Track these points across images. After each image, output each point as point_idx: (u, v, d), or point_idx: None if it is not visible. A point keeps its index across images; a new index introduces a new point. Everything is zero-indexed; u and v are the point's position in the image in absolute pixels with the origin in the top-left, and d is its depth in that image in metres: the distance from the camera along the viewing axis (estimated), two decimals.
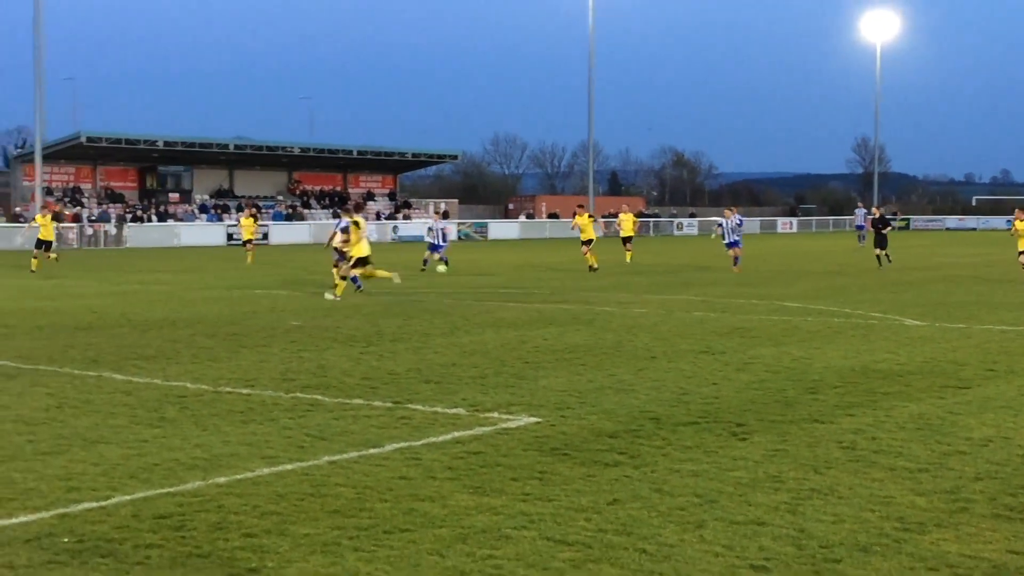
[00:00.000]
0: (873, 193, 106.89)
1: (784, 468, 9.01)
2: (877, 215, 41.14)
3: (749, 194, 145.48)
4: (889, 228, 40.18)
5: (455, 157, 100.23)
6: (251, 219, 47.10)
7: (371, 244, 24.55)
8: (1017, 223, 32.58)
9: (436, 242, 37.72)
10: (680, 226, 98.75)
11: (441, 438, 10.15)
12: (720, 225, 38.34)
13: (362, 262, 25.59)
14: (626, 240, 41.77)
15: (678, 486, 8.42)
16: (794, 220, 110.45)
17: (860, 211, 63.61)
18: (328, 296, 25.41)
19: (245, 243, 45.29)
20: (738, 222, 37.75)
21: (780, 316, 21.54)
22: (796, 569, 6.52)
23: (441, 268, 36.36)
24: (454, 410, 11.53)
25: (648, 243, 68.88)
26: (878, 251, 39.03)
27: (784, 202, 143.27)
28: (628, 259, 40.30)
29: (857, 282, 31.50)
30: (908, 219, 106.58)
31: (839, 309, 22.88)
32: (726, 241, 37.48)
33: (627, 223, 42.48)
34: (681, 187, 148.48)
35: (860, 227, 60.74)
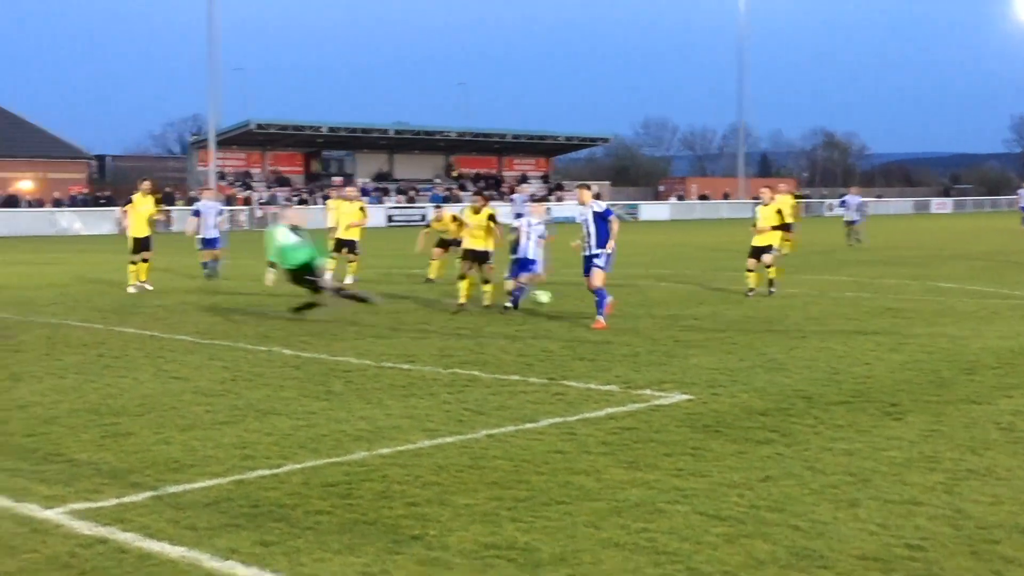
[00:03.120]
0: None
1: (940, 448, 8.94)
2: None
3: (902, 174, 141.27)
4: None
5: (607, 140, 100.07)
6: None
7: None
8: None
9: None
10: (831, 207, 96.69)
11: (595, 414, 10.35)
12: (843, 203, 38.65)
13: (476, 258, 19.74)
14: (783, 227, 37.75)
15: (831, 464, 8.45)
16: (949, 200, 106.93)
17: (1023, 191, 61.16)
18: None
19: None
20: (860, 202, 39.04)
21: (935, 297, 21.07)
22: (952, 549, 6.51)
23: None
24: (607, 387, 11.72)
25: (799, 223, 67.64)
26: None
27: (938, 182, 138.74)
28: (786, 249, 35.37)
29: (1017, 263, 30.48)
30: None
31: (996, 290, 22.26)
32: (848, 219, 38.57)
33: (784, 207, 38.68)
34: (832, 168, 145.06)
35: None
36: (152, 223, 24.19)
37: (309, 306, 17.80)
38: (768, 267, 21.61)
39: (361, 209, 25.36)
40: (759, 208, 22.72)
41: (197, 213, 27.13)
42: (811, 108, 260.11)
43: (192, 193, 73.09)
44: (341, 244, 24.84)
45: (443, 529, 6.87)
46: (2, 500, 7.46)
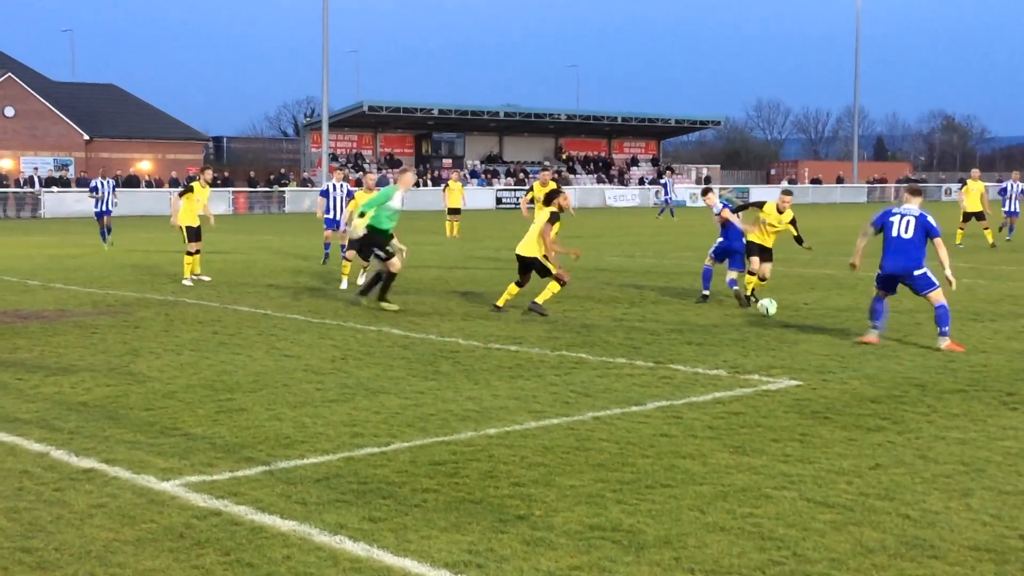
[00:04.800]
0: None
1: None
2: None
3: None
4: None
5: (718, 123, 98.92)
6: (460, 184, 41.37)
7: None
8: None
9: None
10: (948, 192, 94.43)
11: (702, 398, 10.29)
12: (1002, 191, 35.19)
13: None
14: (975, 216, 32.10)
15: (943, 453, 8.29)
16: None
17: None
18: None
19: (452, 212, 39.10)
20: (1022, 190, 34.02)
21: None
22: None
23: None
24: (715, 371, 11.64)
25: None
26: None
27: None
28: (990, 239, 31.51)
29: None
30: None
31: None
32: (1006, 209, 34.06)
33: (974, 196, 32.37)
34: (951, 152, 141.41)
35: None
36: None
37: (373, 284, 17.20)
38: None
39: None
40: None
41: (325, 194, 25.95)
42: (929, 90, 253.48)
43: (305, 175, 74.38)
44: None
45: (548, 509, 6.91)
46: (121, 471, 7.70)
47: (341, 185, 25.33)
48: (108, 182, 33.83)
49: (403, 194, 17.35)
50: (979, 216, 31.96)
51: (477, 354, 12.80)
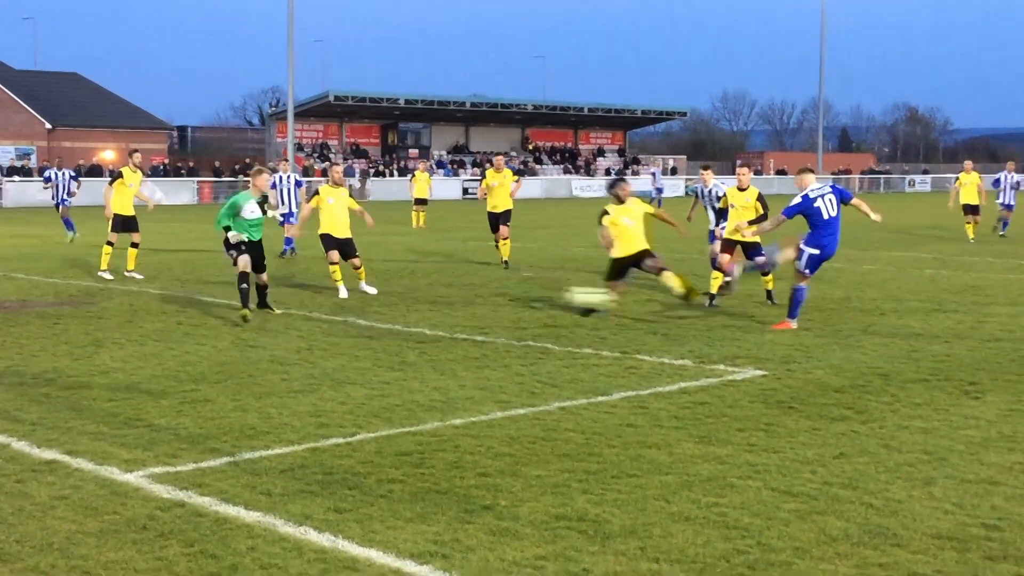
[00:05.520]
0: None
1: (1020, 428, 8.78)
2: None
3: (987, 150, 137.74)
4: None
5: (684, 114, 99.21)
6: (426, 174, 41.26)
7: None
8: None
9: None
10: (912, 183, 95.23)
11: (667, 388, 10.32)
12: (996, 182, 32.99)
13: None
14: (970, 208, 30.98)
15: (907, 442, 8.35)
16: None
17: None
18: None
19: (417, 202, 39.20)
20: (1016, 182, 32.59)
21: (1018, 275, 20.66)
22: None
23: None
24: (680, 361, 11.67)
25: (879, 200, 66.81)
26: None
27: None
28: (971, 234, 30.54)
29: None
30: None
31: None
32: (1001, 201, 32.26)
33: (970, 188, 31.29)
34: (915, 143, 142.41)
35: None
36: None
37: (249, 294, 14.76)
38: None
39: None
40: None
41: (273, 186, 25.81)
42: (893, 82, 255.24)
43: (271, 164, 74.02)
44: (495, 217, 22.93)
45: (514, 500, 6.91)
46: (84, 463, 7.64)
47: (288, 176, 25.39)
48: (64, 172, 32.10)
49: (258, 199, 15.05)
50: (974, 210, 30.71)
51: (443, 344, 12.78)
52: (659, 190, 56.96)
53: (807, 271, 13.92)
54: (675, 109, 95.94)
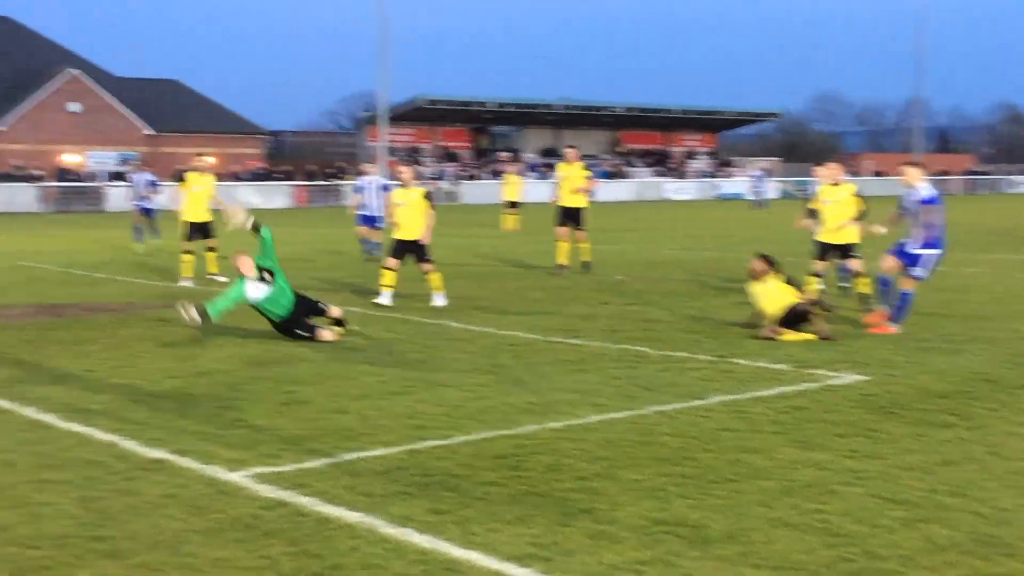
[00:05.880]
0: None
1: None
2: None
3: None
4: None
5: (777, 115, 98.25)
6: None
7: None
8: None
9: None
10: (1015, 184, 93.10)
11: (765, 392, 10.21)
12: None
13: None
14: None
15: (1016, 450, 8.16)
16: None
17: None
18: None
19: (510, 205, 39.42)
20: None
21: None
22: None
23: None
24: (778, 365, 11.54)
25: (980, 202, 65.42)
26: None
27: None
28: None
29: None
30: None
31: None
32: None
33: None
34: (1019, 144, 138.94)
35: None
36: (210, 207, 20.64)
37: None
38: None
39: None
40: None
41: (359, 190, 26.01)
42: (994, 81, 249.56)
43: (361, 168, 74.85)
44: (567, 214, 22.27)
45: (612, 503, 6.89)
46: (190, 462, 7.79)
47: (375, 180, 25.17)
48: (141, 175, 30.51)
49: (253, 277, 13.22)
50: None
51: (537, 348, 12.80)
52: (761, 192, 56.26)
53: (925, 275, 13.64)
54: (768, 111, 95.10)
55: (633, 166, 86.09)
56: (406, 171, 17.98)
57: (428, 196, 17.37)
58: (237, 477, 7.42)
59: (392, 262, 16.93)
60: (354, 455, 8.03)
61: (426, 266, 16.95)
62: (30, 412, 9.42)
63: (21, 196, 58.44)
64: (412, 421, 9.10)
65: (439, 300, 16.76)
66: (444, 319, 15.13)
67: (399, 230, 17.10)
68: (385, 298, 16.66)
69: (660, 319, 15.07)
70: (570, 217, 22.08)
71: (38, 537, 6.23)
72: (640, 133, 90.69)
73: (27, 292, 18.70)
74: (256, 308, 13.31)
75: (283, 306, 12.61)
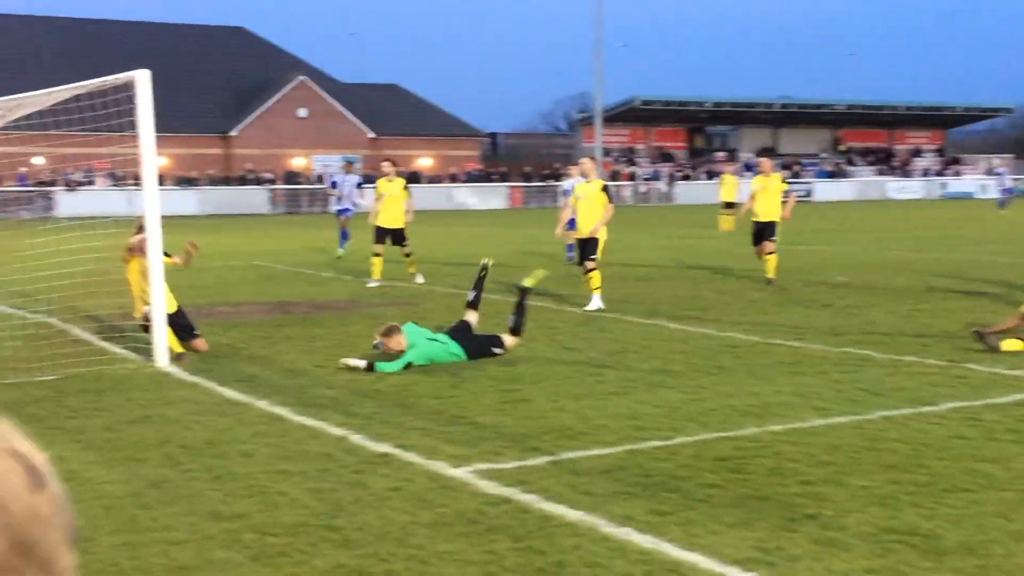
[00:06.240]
0: None
1: None
2: None
3: None
4: None
5: (1010, 110, 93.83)
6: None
7: None
8: None
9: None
10: None
11: (1002, 400, 9.75)
12: None
13: None
14: None
15: None
16: None
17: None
18: None
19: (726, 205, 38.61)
20: None
21: None
22: None
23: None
24: (1016, 372, 11.00)
25: None
26: None
27: None
28: None
29: None
30: None
31: None
32: None
33: None
34: None
35: None
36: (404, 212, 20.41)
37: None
38: None
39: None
40: None
41: (567, 192, 25.59)
42: None
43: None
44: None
45: (839, 510, 6.71)
46: (415, 457, 7.99)
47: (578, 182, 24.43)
48: (350, 178, 28.75)
49: (406, 344, 11.63)
50: None
51: (758, 349, 12.59)
52: (1009, 191, 53.70)
53: None
54: (1000, 106, 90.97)
55: (854, 165, 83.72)
56: (587, 162, 17.49)
57: (606, 189, 17.00)
58: (460, 473, 7.56)
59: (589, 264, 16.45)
60: (575, 454, 8.07)
61: (589, 263, 16.45)
62: (263, 405, 9.85)
63: (253, 198, 61.19)
64: (632, 421, 9.08)
65: (595, 303, 16.24)
66: (661, 320, 15.05)
67: (578, 226, 16.86)
68: (595, 303, 16.36)
69: (885, 322, 14.60)
70: (763, 232, 19.59)
71: (275, 525, 6.50)
72: (862, 131, 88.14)
73: (260, 291, 19.56)
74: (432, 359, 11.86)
75: (455, 355, 11.86)
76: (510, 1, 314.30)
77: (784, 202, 19.77)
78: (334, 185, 29.46)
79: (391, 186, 19.78)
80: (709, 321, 14.91)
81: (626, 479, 7.40)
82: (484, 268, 13.38)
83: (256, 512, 6.75)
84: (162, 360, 11.82)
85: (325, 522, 6.54)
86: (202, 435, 8.73)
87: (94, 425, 9.14)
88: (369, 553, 6.03)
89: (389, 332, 11.56)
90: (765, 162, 20.50)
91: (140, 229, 12.41)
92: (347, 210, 27.87)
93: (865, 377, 10.86)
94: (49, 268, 13.15)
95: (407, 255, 19.96)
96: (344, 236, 27.35)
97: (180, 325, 12.47)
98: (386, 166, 20.09)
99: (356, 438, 8.57)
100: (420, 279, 20.12)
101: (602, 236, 16.76)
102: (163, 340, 11.91)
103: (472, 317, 12.49)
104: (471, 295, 12.88)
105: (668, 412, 9.42)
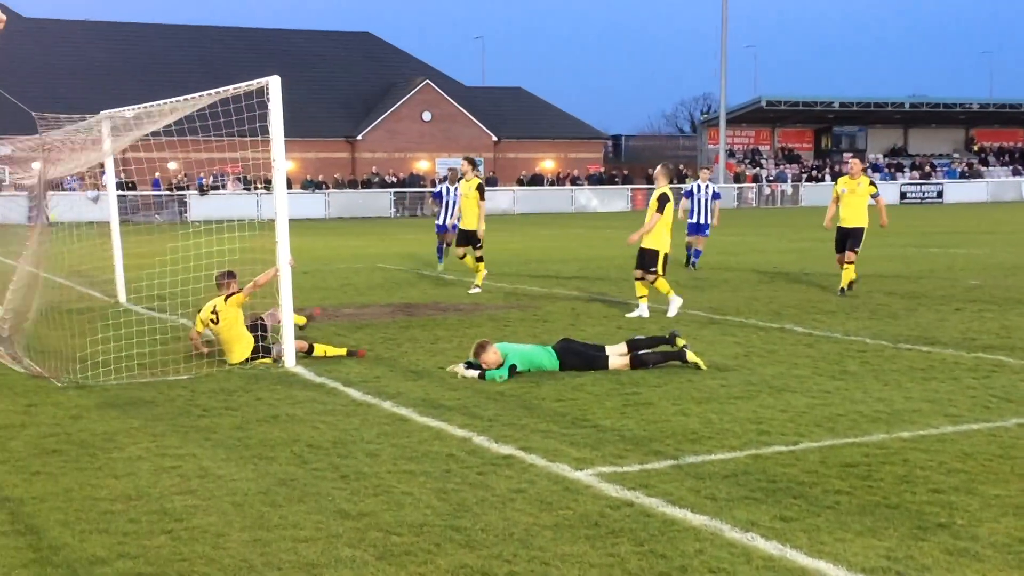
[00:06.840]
0: None
1: None
2: None
3: None
4: None
5: None
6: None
7: None
8: None
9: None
10: None
11: None
12: None
13: None
14: None
15: None
16: None
17: None
18: None
19: None
20: None
21: None
22: None
23: None
24: None
25: None
26: None
27: None
28: None
29: None
30: None
31: None
32: None
33: None
34: None
35: None
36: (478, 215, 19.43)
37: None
38: None
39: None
40: None
41: (689, 195, 25.09)
42: None
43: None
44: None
45: (972, 519, 6.55)
46: (537, 459, 8.02)
47: (706, 186, 23.80)
48: (455, 188, 23.31)
49: (500, 356, 11.35)
50: None
51: (886, 354, 12.33)
52: None
53: None
54: None
55: (988, 165, 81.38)
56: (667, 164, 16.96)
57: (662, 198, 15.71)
58: (583, 475, 7.57)
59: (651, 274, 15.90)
60: (698, 458, 8.02)
61: (639, 272, 15.95)
62: (388, 406, 9.99)
63: (377, 201, 62.02)
64: (756, 426, 8.98)
65: (675, 304, 15.96)
66: (787, 323, 14.85)
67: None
68: (677, 304, 15.96)
69: (1020, 326, 14.17)
70: (847, 239, 18.38)
71: (400, 524, 6.59)
72: (996, 130, 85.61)
73: (386, 293, 19.83)
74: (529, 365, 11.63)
75: (550, 362, 11.61)
76: (635, 3, 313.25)
77: (872, 206, 18.56)
78: (437, 197, 25.50)
79: (467, 186, 19.31)
80: (835, 324, 14.65)
81: (750, 484, 7.32)
82: (673, 340, 11.96)
83: (382, 511, 6.85)
84: (290, 361, 12.08)
85: (449, 522, 6.61)
86: (329, 435, 8.89)
87: (225, 424, 9.38)
88: (493, 554, 6.07)
89: (483, 347, 11.38)
90: (855, 163, 19.15)
91: (226, 275, 12.67)
92: (446, 227, 24.55)
93: (998, 383, 10.57)
94: (184, 272, 13.55)
95: (478, 259, 19.24)
96: (441, 253, 25.04)
97: (263, 348, 12.42)
98: (464, 165, 19.53)
99: (480, 440, 8.64)
100: (476, 290, 19.02)
101: (661, 247, 15.81)
102: (291, 341, 12.16)
103: (614, 352, 11.76)
104: (641, 339, 12.16)
105: (793, 417, 9.29)
